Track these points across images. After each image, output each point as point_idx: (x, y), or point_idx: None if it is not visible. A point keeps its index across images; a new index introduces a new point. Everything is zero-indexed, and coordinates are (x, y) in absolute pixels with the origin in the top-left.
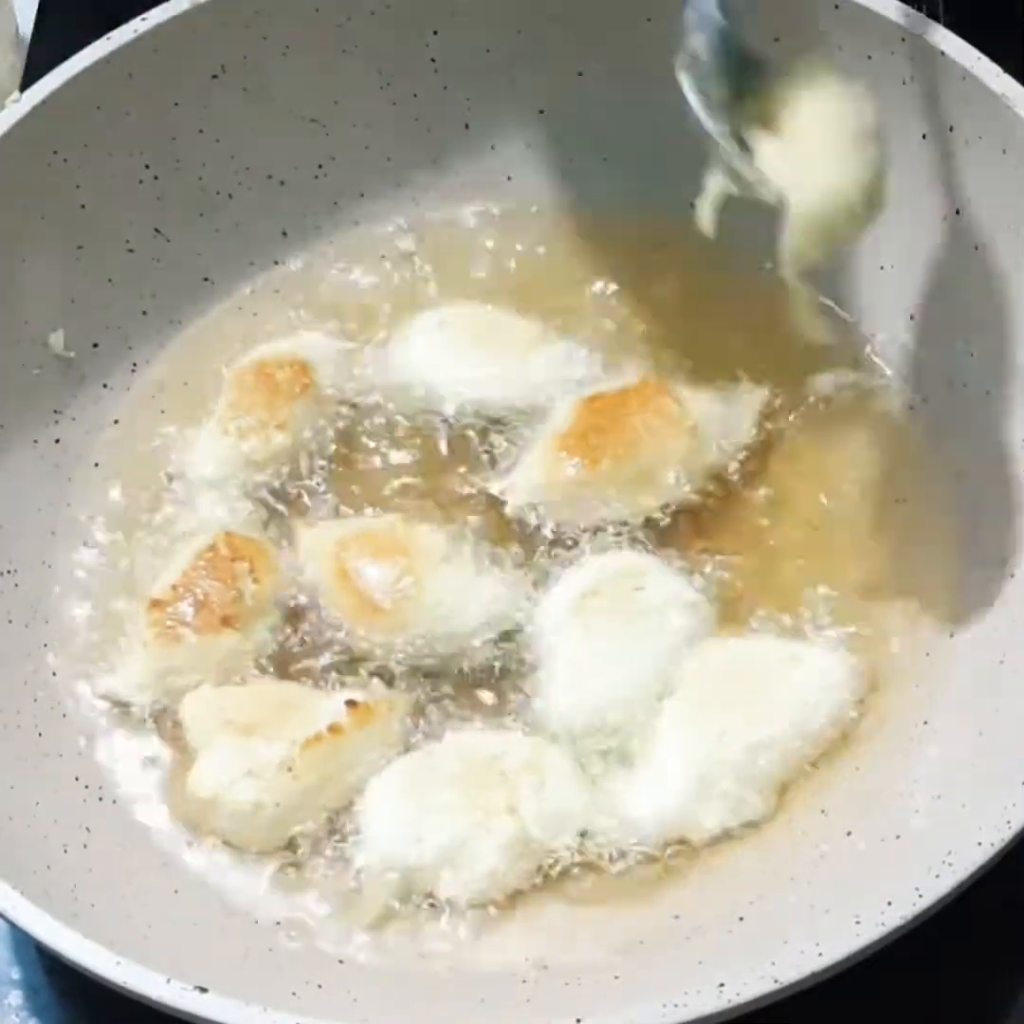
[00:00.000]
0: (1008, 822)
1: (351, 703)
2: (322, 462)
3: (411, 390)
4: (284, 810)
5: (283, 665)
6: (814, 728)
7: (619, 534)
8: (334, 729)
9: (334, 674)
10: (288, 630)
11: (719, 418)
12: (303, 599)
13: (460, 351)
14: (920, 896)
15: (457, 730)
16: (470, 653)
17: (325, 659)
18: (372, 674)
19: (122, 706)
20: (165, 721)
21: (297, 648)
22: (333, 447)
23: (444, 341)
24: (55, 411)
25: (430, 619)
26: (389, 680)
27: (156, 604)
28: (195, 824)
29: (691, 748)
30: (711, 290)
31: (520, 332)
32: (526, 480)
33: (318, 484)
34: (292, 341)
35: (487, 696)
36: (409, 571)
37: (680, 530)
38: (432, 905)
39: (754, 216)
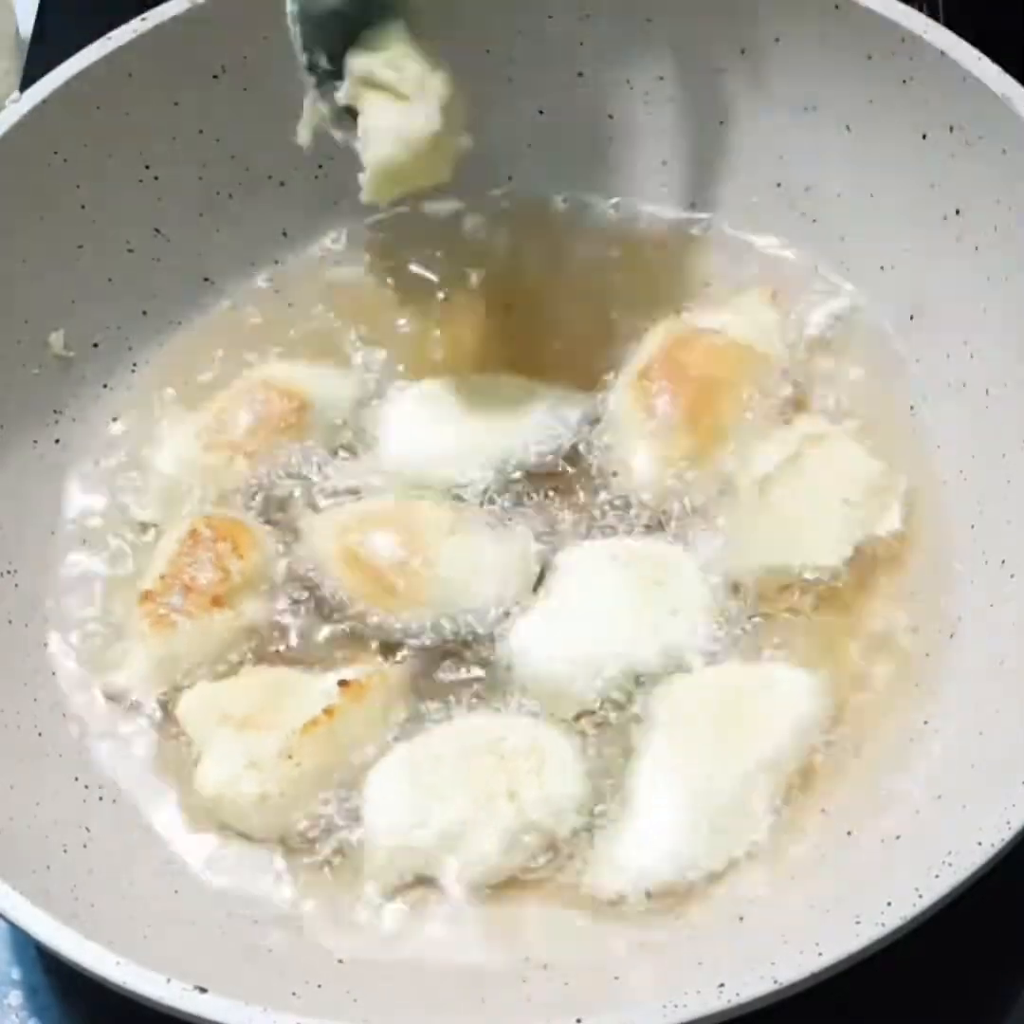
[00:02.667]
0: (1008, 822)
1: (343, 683)
2: (269, 497)
3: (405, 478)
4: (290, 798)
5: (279, 641)
6: (794, 750)
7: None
8: (329, 711)
9: (330, 649)
10: (285, 605)
11: (761, 332)
12: (299, 576)
13: (447, 427)
14: (920, 896)
15: (456, 708)
16: (487, 621)
17: (324, 632)
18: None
19: (130, 703)
20: (164, 720)
21: (295, 623)
22: (289, 491)
23: (428, 419)
24: (55, 411)
25: (445, 593)
26: (387, 650)
27: (147, 596)
28: (204, 821)
29: (683, 792)
30: (708, 289)
31: (505, 392)
32: (649, 473)
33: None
34: (309, 371)
35: (484, 662)
36: (418, 549)
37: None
38: (434, 893)
39: (753, 215)
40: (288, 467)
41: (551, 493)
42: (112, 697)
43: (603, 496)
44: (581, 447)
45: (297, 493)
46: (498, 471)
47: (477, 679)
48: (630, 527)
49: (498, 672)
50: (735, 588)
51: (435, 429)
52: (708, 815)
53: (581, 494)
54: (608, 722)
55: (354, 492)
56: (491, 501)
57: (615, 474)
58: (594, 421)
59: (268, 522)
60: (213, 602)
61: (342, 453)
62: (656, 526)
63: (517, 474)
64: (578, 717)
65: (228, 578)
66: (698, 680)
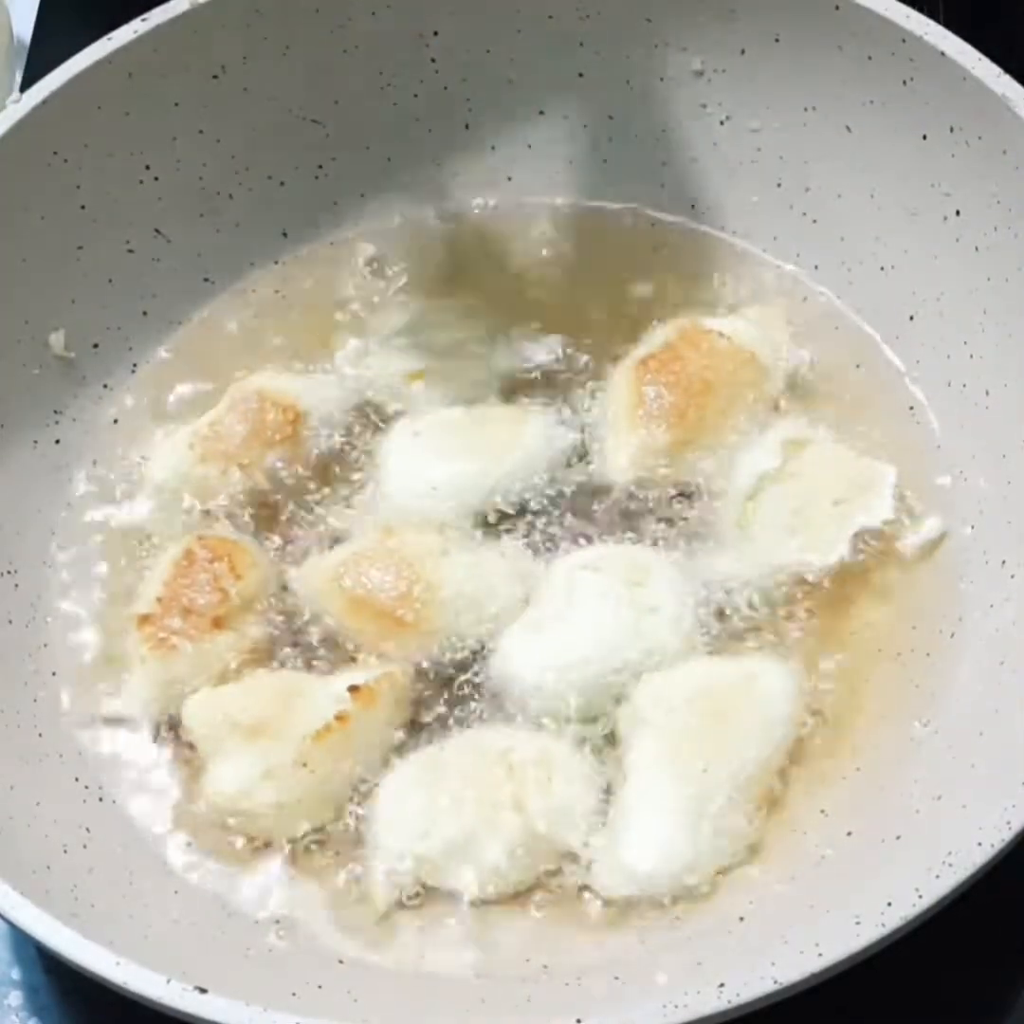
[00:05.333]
0: (1008, 822)
1: (353, 688)
2: (267, 509)
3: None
4: (304, 804)
5: (280, 647)
6: (781, 741)
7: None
8: (342, 717)
9: (332, 652)
10: (283, 621)
11: (761, 340)
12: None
13: (440, 464)
14: (920, 896)
15: (466, 721)
16: (497, 632)
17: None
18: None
19: (130, 725)
20: (165, 722)
21: (294, 633)
22: (296, 499)
23: (421, 456)
24: (55, 411)
25: (454, 612)
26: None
27: (145, 619)
28: (206, 822)
29: (678, 789)
30: (722, 293)
31: (498, 419)
32: (623, 458)
33: (252, 525)
34: (302, 381)
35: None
36: (418, 577)
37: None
38: (439, 900)
39: (753, 215)
40: (281, 479)
41: (539, 512)
42: (112, 722)
43: (587, 506)
44: (573, 458)
45: (291, 507)
46: (494, 501)
47: (483, 692)
48: (611, 534)
49: (496, 686)
50: (726, 590)
51: (429, 467)
52: (704, 815)
53: (567, 508)
54: (603, 726)
55: (345, 535)
56: (482, 528)
57: (591, 462)
58: (584, 430)
59: (265, 536)
60: (214, 624)
61: (337, 486)
62: (637, 531)
63: (511, 501)
64: (574, 723)
65: (227, 599)
66: (685, 677)
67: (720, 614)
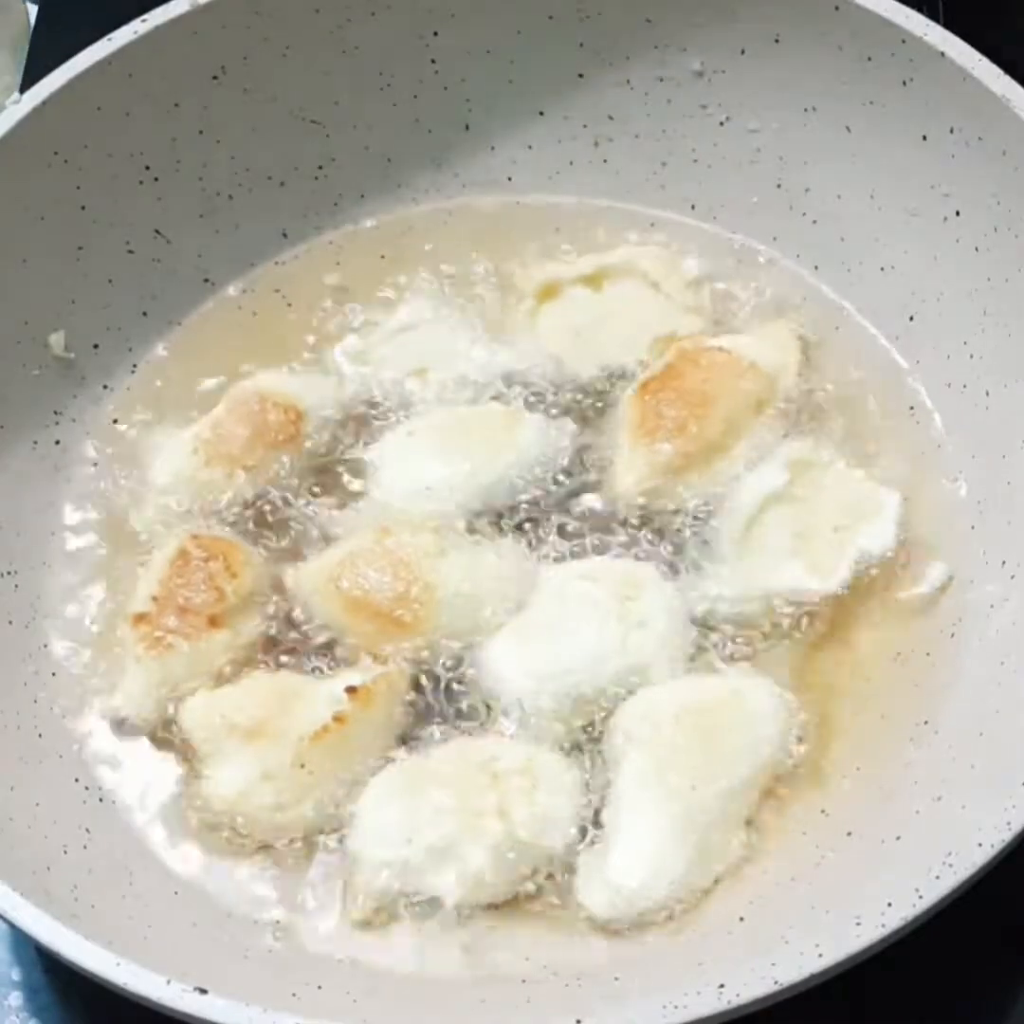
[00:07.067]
0: (1008, 823)
1: (351, 689)
2: (265, 511)
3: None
4: (304, 805)
5: (276, 647)
6: (769, 758)
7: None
8: (340, 718)
9: (328, 651)
10: (281, 622)
11: (765, 354)
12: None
13: (434, 457)
14: (920, 897)
15: (453, 727)
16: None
17: (322, 639)
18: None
19: (128, 725)
20: (164, 722)
21: (291, 633)
22: (293, 500)
23: (418, 455)
24: (55, 411)
25: (452, 612)
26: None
27: (141, 619)
28: (205, 823)
29: (666, 807)
30: (708, 287)
31: (492, 421)
32: (630, 479)
33: (251, 525)
34: (301, 380)
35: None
36: (415, 577)
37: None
38: (426, 905)
39: (753, 215)
40: (285, 482)
41: (536, 518)
42: (111, 722)
43: (587, 518)
44: (572, 469)
45: (290, 508)
46: (487, 501)
47: (471, 698)
48: (610, 547)
49: (483, 692)
50: (720, 608)
51: (422, 467)
52: (692, 833)
53: (565, 517)
54: (587, 738)
55: (342, 535)
56: (477, 529)
57: (599, 484)
58: (583, 447)
59: (263, 537)
60: (210, 622)
61: (335, 485)
62: (636, 546)
63: (504, 503)
64: (557, 731)
65: (223, 598)
66: (672, 694)
67: (712, 632)
